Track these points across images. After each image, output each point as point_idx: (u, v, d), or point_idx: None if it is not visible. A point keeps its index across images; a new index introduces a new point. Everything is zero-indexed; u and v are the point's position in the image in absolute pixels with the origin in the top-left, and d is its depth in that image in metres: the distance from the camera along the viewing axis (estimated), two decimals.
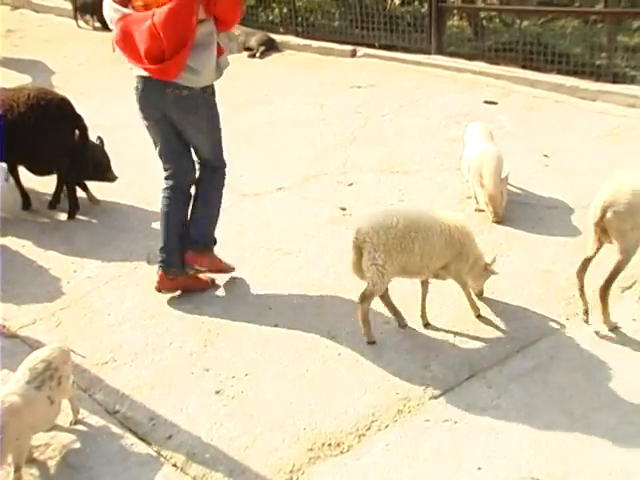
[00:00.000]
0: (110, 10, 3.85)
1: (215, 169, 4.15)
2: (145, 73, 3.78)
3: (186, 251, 4.09)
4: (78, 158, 4.90)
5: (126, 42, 3.74)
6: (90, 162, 4.97)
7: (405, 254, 3.50)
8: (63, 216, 5.06)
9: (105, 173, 5.09)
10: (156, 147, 4.04)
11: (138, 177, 5.29)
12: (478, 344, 3.62)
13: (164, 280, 4.08)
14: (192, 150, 4.09)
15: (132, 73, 3.91)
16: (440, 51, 7.95)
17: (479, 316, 3.81)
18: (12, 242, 4.72)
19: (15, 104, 4.74)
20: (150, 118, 3.95)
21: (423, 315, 3.79)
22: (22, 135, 4.74)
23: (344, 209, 5.00)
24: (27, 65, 8.36)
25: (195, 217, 4.14)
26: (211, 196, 4.17)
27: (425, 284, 3.79)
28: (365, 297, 3.58)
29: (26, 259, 4.56)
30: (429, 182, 5.32)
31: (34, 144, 4.82)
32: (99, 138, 5.13)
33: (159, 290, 4.09)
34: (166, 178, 4.08)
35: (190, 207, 4.14)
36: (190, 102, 3.85)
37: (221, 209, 4.21)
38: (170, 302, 4.07)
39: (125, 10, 3.77)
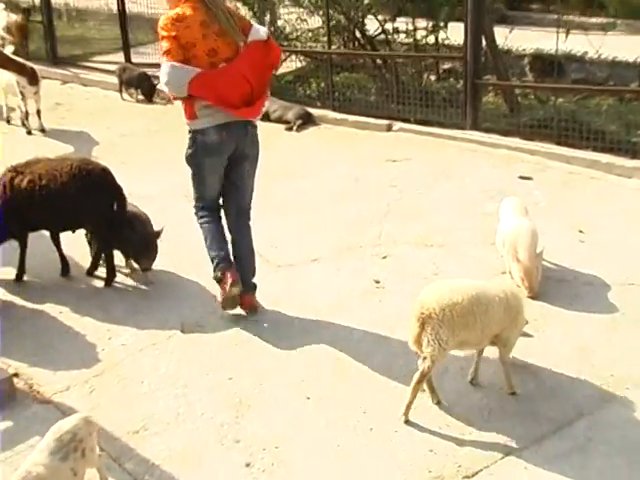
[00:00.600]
0: (176, 74, 4.19)
1: (249, 211, 4.68)
2: (229, 119, 4.30)
3: (245, 297, 4.59)
4: (116, 228, 4.96)
5: (210, 93, 4.22)
6: (129, 236, 4.97)
7: (467, 329, 3.51)
8: (100, 283, 5.13)
9: (138, 256, 5.06)
10: (200, 185, 4.53)
11: (172, 246, 5.36)
12: (513, 422, 3.56)
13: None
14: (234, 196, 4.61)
15: (202, 126, 4.34)
16: (475, 126, 8.04)
17: (514, 393, 3.75)
18: (50, 308, 4.80)
19: (58, 174, 4.87)
20: (217, 162, 4.45)
21: (475, 377, 3.84)
22: (64, 204, 4.87)
23: (378, 282, 5.01)
24: (72, 136, 8.62)
25: (247, 263, 4.63)
26: (251, 240, 4.69)
27: (481, 352, 3.82)
28: (424, 374, 3.54)
29: (63, 325, 4.62)
30: (464, 256, 5.32)
31: (75, 213, 4.94)
32: (160, 230, 5.11)
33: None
34: (201, 204, 4.61)
35: (236, 256, 4.61)
36: (256, 136, 4.54)
37: None
38: (203, 372, 4.07)
39: (196, 69, 4.18)
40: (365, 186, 6.82)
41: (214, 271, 4.57)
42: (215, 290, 4.72)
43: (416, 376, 3.56)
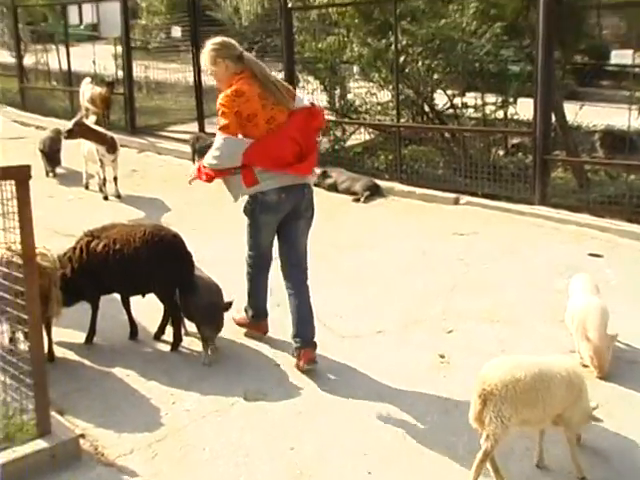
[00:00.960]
0: (232, 145, 4.56)
1: (306, 271, 4.87)
2: (288, 182, 4.62)
3: (305, 352, 4.72)
4: (185, 294, 5.05)
5: (265, 158, 4.56)
6: (196, 303, 4.99)
7: (530, 407, 3.45)
8: (167, 347, 5.21)
9: (203, 324, 5.02)
10: (255, 236, 4.88)
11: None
12: None
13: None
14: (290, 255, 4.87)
15: (264, 189, 4.62)
16: (544, 202, 7.99)
17: (583, 478, 3.62)
18: (118, 370, 4.88)
19: (132, 239, 5.02)
20: (273, 219, 4.76)
21: (541, 459, 3.73)
22: (136, 268, 5.01)
23: (443, 356, 4.95)
24: (145, 202, 8.92)
25: (307, 322, 4.79)
26: (310, 299, 4.82)
27: (543, 432, 3.72)
28: (487, 453, 3.47)
29: (129, 387, 4.69)
30: (531, 333, 5.23)
31: (146, 278, 5.07)
32: (230, 302, 5.12)
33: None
34: (254, 253, 4.97)
35: (297, 315, 4.79)
36: (312, 198, 4.82)
37: None
38: (265, 441, 4.07)
39: (249, 140, 4.54)
40: (432, 259, 6.82)
41: (250, 316, 5.18)
42: (280, 358, 4.74)
43: (479, 455, 3.48)
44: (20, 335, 4.37)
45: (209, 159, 4.68)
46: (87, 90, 12.46)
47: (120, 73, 13.52)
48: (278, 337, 5.17)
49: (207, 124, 11.85)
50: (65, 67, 15.01)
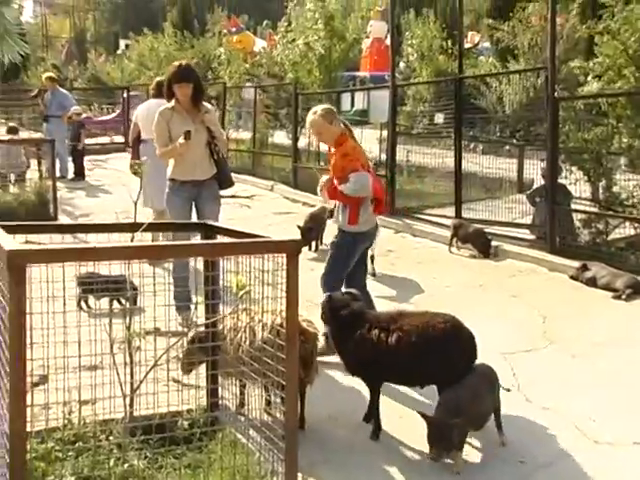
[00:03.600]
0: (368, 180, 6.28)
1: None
2: (373, 224, 6.63)
3: None
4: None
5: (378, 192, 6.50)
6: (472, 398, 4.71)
7: None
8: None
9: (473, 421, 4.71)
10: (344, 267, 6.37)
11: None
12: None
13: None
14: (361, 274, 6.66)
15: (358, 230, 6.36)
16: None
17: None
18: (361, 446, 4.97)
19: (430, 328, 4.92)
20: (362, 249, 6.51)
21: None
22: (430, 360, 4.86)
23: None
24: (399, 282, 9.12)
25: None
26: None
27: None
28: None
29: (375, 464, 4.76)
30: None
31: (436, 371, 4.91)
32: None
33: None
34: (333, 278, 6.38)
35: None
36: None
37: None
38: None
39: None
40: None
41: None
42: None
43: None
44: (277, 399, 4.64)
45: (354, 188, 6.19)
46: None
47: (383, 156, 14.13)
48: None
49: (464, 209, 11.96)
50: None
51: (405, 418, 5.28)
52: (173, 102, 7.18)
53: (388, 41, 23.22)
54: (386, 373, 5.07)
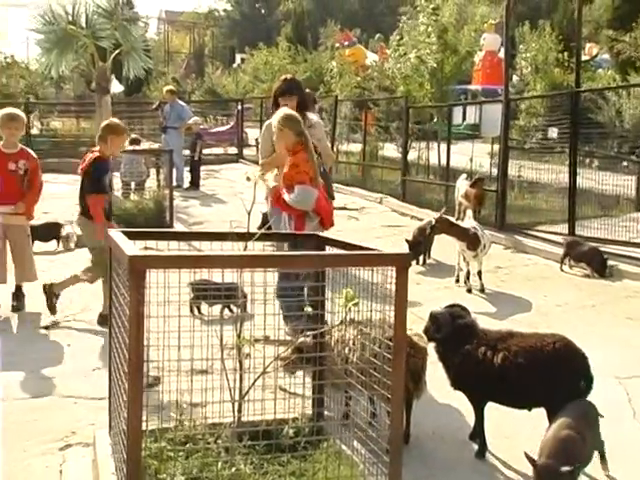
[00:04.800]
0: (308, 198, 6.42)
1: None
2: None
3: None
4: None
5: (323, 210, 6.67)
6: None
7: None
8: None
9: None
10: None
11: None
12: None
13: None
14: None
15: None
16: None
17: None
18: (467, 463, 4.91)
19: (539, 350, 4.78)
20: None
21: None
22: (538, 382, 4.72)
23: None
24: (508, 299, 8.92)
25: None
26: None
27: None
28: None
29: None
30: None
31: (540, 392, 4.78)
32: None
33: None
34: None
35: None
36: None
37: None
38: None
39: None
40: None
41: None
42: None
43: None
44: (382, 412, 4.63)
45: (298, 202, 6.31)
46: (462, 186, 13.05)
47: (494, 171, 13.91)
48: None
49: (578, 226, 11.61)
50: (444, 163, 15.94)
51: (511, 438, 5.17)
52: None
53: (501, 54, 22.92)
54: (490, 392, 4.95)
